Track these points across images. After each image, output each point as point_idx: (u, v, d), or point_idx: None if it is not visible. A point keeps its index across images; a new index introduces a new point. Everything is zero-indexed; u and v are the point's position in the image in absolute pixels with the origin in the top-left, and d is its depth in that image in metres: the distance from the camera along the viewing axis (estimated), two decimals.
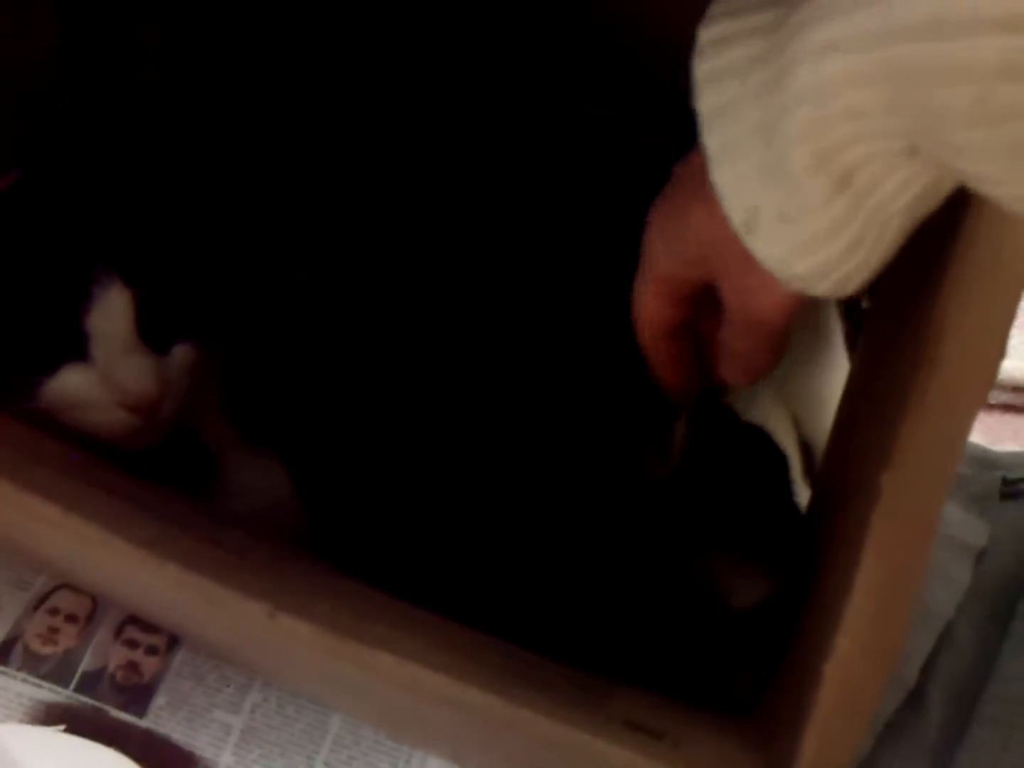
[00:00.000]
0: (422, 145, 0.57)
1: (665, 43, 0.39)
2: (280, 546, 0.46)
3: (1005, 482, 0.64)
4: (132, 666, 0.59)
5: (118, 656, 0.59)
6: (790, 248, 0.32)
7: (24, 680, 0.58)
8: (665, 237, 0.38)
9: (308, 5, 0.57)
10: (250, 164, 0.53)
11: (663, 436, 0.45)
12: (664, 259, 0.39)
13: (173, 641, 0.60)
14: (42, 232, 0.44)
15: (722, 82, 0.32)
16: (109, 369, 0.43)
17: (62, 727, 0.55)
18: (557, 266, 0.52)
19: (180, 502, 0.46)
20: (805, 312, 0.39)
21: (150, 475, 0.45)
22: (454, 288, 0.51)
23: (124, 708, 0.58)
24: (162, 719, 0.58)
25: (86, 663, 0.59)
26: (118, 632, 0.60)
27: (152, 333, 0.44)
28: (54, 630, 0.60)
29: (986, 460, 0.66)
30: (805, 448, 0.63)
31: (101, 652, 0.59)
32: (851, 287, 0.33)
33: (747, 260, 0.33)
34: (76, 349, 0.43)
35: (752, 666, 0.42)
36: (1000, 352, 0.32)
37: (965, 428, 0.32)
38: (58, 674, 0.59)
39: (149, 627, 0.60)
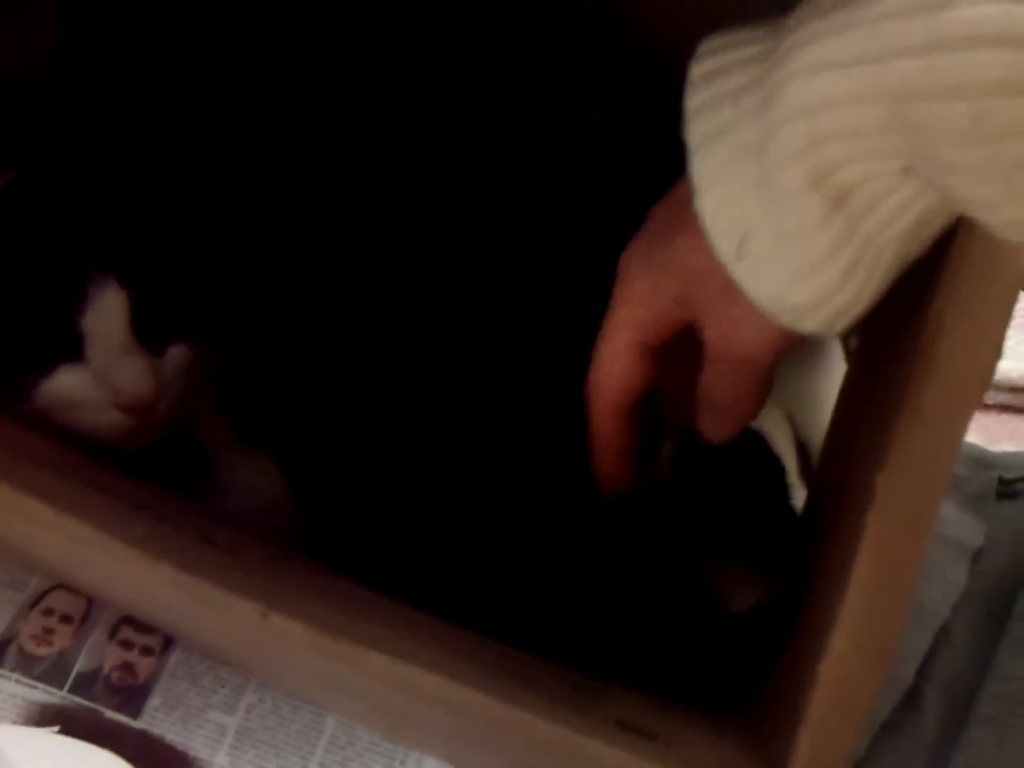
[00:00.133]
0: (419, 146, 0.57)
1: (664, 43, 0.39)
2: (273, 546, 0.46)
3: (1002, 482, 0.64)
4: (127, 667, 0.59)
5: (113, 657, 0.59)
6: (783, 275, 0.31)
7: (18, 681, 0.58)
8: (650, 272, 0.37)
9: (304, 7, 0.57)
10: (245, 165, 0.53)
11: (652, 454, 0.45)
12: (646, 297, 0.37)
13: (168, 642, 0.60)
14: (37, 232, 0.44)
15: (714, 110, 0.31)
16: (104, 370, 0.43)
17: (56, 728, 0.55)
18: (555, 269, 0.52)
19: (173, 501, 0.46)
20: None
21: (145, 475, 0.45)
22: (449, 289, 0.51)
23: (119, 709, 0.58)
24: (157, 720, 0.58)
25: (81, 664, 0.59)
26: (113, 633, 0.60)
27: (147, 334, 0.44)
28: (49, 631, 0.60)
29: (983, 460, 0.66)
30: (801, 449, 0.63)
31: (96, 653, 0.59)
32: (841, 323, 0.32)
33: (731, 293, 0.32)
34: (71, 350, 0.43)
35: (747, 668, 0.42)
36: (996, 353, 0.32)
37: (961, 429, 0.32)
38: (52, 675, 0.59)
39: (144, 628, 0.60)
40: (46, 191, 0.45)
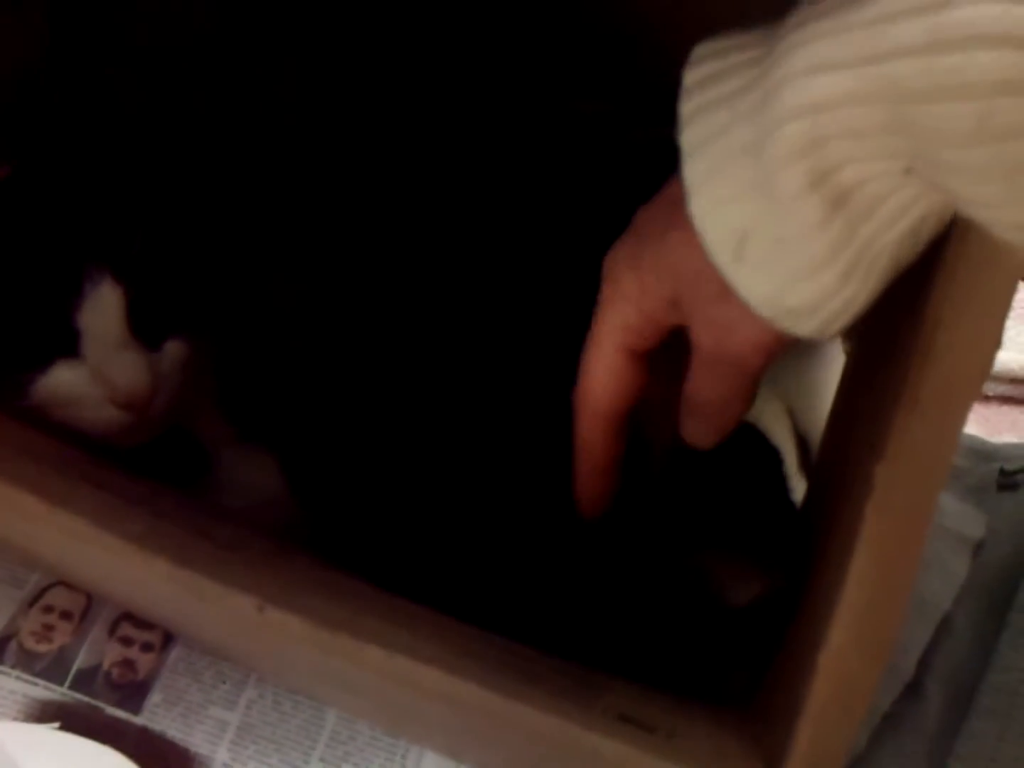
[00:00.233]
0: (416, 141, 0.57)
1: (661, 37, 0.39)
2: (272, 541, 0.45)
3: (1003, 473, 0.64)
4: (127, 663, 0.59)
5: (113, 653, 0.59)
6: (781, 277, 0.30)
7: (19, 678, 0.58)
8: (639, 273, 0.36)
9: (301, 5, 0.56)
10: (242, 159, 0.53)
11: (644, 462, 0.45)
12: (635, 299, 0.36)
13: (168, 638, 0.60)
14: (33, 228, 0.44)
15: (709, 113, 0.30)
16: (100, 366, 0.43)
17: (57, 725, 0.55)
18: (553, 263, 0.52)
19: (171, 497, 0.46)
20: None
21: (143, 471, 0.45)
22: (446, 284, 0.51)
23: (119, 705, 0.58)
24: (157, 716, 0.58)
25: (81, 660, 0.59)
26: (113, 629, 0.60)
27: (144, 329, 0.44)
28: (49, 627, 0.60)
29: (984, 451, 0.66)
30: (801, 442, 0.63)
31: (96, 649, 0.59)
32: (835, 327, 0.31)
33: (724, 295, 0.32)
34: (67, 346, 0.43)
35: (747, 661, 0.42)
36: (996, 344, 0.32)
37: (960, 420, 0.32)
38: (53, 671, 0.59)
39: (144, 624, 0.60)
40: (42, 187, 0.45)
